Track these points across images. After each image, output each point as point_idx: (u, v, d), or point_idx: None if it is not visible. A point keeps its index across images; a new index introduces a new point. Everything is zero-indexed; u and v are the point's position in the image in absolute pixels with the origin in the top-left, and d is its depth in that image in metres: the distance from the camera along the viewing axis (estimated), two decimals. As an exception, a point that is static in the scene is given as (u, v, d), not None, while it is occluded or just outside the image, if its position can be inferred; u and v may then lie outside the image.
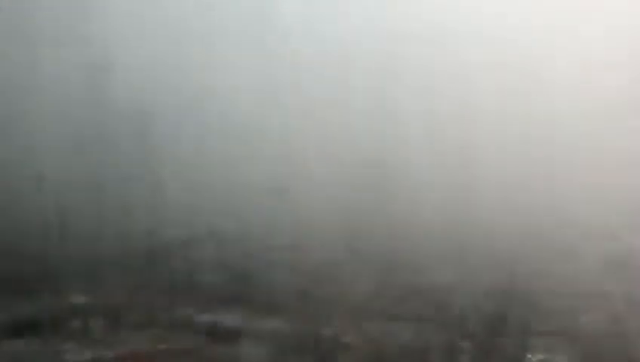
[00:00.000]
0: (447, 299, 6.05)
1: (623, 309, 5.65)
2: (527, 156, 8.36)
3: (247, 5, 5.92)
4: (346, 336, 5.19)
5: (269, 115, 8.13)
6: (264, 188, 7.81)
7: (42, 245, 5.80)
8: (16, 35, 6.60)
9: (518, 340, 5.15)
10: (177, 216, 6.73)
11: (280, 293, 6.07)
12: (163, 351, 4.82)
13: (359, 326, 5.36)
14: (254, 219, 6.71)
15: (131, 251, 6.46)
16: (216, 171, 7.32)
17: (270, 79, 7.41)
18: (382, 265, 7.05)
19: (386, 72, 6.86)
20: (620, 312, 5.58)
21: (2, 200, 5.04)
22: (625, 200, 8.04)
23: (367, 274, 6.61)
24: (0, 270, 5.67)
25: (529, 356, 4.81)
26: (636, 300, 5.94)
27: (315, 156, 6.50)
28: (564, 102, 8.96)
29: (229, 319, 5.42)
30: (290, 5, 5.75)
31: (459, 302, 5.98)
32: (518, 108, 8.81)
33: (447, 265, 6.94)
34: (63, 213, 5.48)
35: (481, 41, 5.62)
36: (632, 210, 7.90)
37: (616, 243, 7.74)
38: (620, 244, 7.72)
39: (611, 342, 5.09)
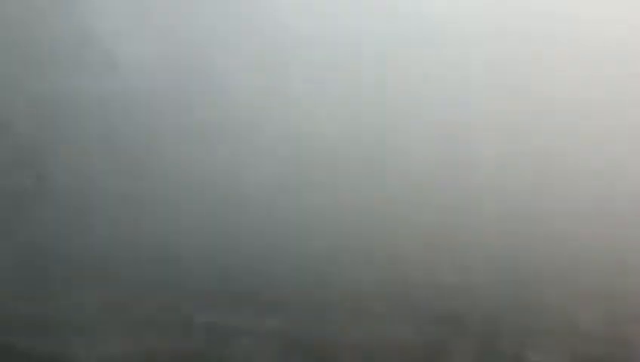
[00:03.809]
0: (447, 298, 6.07)
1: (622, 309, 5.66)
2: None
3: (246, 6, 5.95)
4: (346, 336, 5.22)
5: (269, 118, 8.11)
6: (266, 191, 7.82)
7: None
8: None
9: (518, 340, 5.17)
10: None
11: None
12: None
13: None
14: (257, 215, 6.72)
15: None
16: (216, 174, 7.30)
17: (269, 83, 7.39)
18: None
19: (393, 76, 6.89)
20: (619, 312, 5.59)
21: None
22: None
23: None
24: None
25: (529, 355, 4.82)
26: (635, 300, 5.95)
27: (316, 162, 6.50)
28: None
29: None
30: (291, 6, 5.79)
31: (459, 301, 6.00)
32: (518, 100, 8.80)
33: (448, 265, 6.96)
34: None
35: (483, 40, 5.63)
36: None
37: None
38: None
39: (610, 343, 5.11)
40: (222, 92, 5.04)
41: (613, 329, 5.25)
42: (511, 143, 4.27)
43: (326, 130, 5.42)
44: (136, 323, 5.24)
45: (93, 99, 5.52)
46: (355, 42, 3.96)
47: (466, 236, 6.00)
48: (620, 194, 5.59)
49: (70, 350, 4.86)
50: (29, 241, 5.56)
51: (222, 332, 5.22)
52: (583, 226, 5.70)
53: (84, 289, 6.02)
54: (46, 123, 5.23)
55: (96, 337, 5.08)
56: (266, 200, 5.02)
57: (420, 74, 3.98)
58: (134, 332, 5.17)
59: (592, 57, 4.64)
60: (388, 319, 5.47)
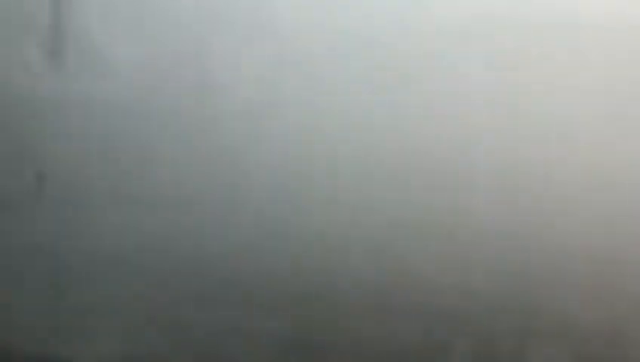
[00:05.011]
0: (446, 298, 6.03)
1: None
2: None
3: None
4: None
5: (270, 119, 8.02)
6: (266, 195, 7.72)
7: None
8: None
9: (518, 340, 5.15)
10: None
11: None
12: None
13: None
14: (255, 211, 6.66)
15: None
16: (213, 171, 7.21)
17: (271, 82, 7.32)
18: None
19: (403, 72, 6.92)
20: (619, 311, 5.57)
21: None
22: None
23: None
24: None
25: (529, 354, 4.81)
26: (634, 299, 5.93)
27: (320, 167, 6.46)
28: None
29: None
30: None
31: (458, 300, 5.97)
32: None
33: (448, 264, 6.93)
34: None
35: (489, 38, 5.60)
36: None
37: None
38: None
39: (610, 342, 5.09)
40: (218, 91, 5.04)
41: (613, 328, 5.24)
42: (512, 144, 4.26)
43: (328, 131, 5.43)
44: (136, 323, 5.22)
45: (94, 99, 5.50)
46: (359, 42, 3.96)
47: (466, 234, 5.97)
48: (621, 192, 5.60)
49: (69, 350, 4.84)
50: (28, 241, 5.54)
51: (222, 332, 5.20)
52: (583, 225, 5.69)
53: (84, 289, 5.98)
54: (46, 123, 5.21)
55: (96, 337, 5.06)
56: (267, 200, 5.03)
57: (422, 74, 3.98)
58: (134, 332, 5.15)
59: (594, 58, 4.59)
60: (388, 319, 5.45)
